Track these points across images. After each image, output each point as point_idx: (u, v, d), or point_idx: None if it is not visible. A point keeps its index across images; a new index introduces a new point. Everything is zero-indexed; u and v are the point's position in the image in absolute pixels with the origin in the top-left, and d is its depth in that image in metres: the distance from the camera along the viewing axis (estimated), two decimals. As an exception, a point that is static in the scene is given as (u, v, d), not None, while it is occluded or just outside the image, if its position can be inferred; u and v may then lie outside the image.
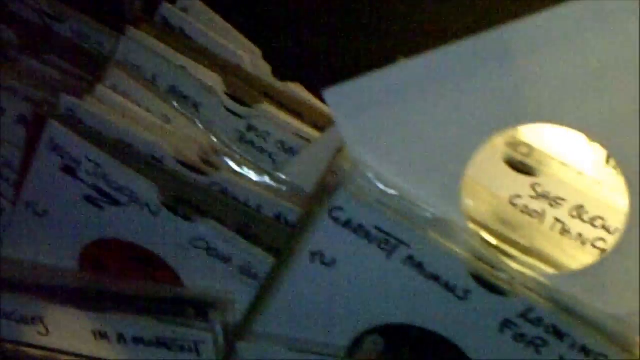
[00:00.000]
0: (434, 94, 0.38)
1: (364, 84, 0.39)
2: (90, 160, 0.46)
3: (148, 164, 0.46)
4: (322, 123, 0.51)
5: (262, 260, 0.46)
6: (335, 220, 0.40)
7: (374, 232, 0.40)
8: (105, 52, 0.61)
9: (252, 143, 0.51)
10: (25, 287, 0.49)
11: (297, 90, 0.53)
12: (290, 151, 0.50)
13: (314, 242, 0.41)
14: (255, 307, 0.44)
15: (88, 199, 0.47)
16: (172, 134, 0.48)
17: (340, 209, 0.40)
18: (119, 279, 0.49)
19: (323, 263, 0.42)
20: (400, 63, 0.38)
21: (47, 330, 0.49)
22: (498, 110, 0.38)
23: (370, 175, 0.40)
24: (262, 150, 0.51)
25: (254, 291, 0.46)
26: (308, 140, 0.50)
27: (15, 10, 0.61)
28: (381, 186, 0.40)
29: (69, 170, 0.47)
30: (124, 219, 0.47)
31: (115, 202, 0.46)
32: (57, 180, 0.47)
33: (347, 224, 0.40)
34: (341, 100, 0.40)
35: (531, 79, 0.38)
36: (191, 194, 0.46)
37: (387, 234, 0.40)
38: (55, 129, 0.46)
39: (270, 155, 0.51)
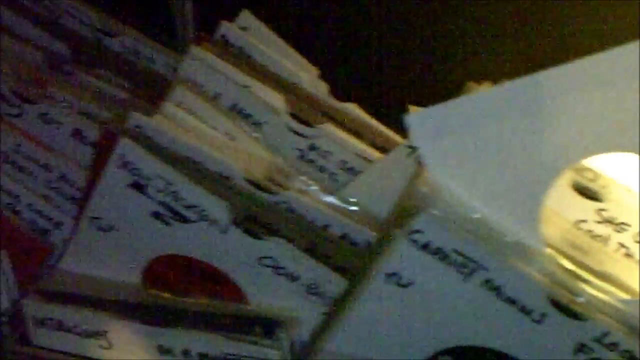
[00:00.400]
0: (515, 121, 0.39)
1: (446, 110, 0.40)
2: (160, 178, 0.46)
3: (218, 182, 0.46)
4: (381, 143, 0.52)
5: (329, 280, 0.46)
6: (414, 242, 0.41)
7: (453, 255, 0.41)
8: (157, 68, 0.62)
9: (313, 162, 0.51)
10: (88, 301, 0.50)
11: (354, 110, 0.54)
12: (352, 171, 0.51)
13: (391, 263, 0.42)
14: (326, 326, 0.45)
15: (155, 215, 0.48)
16: (239, 152, 0.49)
17: (420, 232, 0.40)
18: (183, 295, 0.49)
19: (399, 284, 0.42)
20: (482, 91, 0.39)
21: (110, 344, 0.49)
22: (579, 139, 0.39)
23: (450, 199, 0.40)
24: (323, 169, 0.51)
25: (321, 310, 0.47)
26: (369, 160, 0.51)
27: (68, 25, 0.62)
28: (461, 210, 0.40)
29: (138, 187, 0.47)
30: (192, 236, 0.47)
31: (184, 219, 0.47)
32: (125, 196, 0.48)
33: (426, 246, 0.41)
34: (423, 125, 0.40)
35: (609, 109, 0.39)
36: (261, 212, 0.46)
37: (466, 257, 0.40)
38: (127, 146, 0.46)
39: (331, 175, 0.51)
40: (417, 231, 0.40)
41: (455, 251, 0.40)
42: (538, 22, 0.60)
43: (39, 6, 0.62)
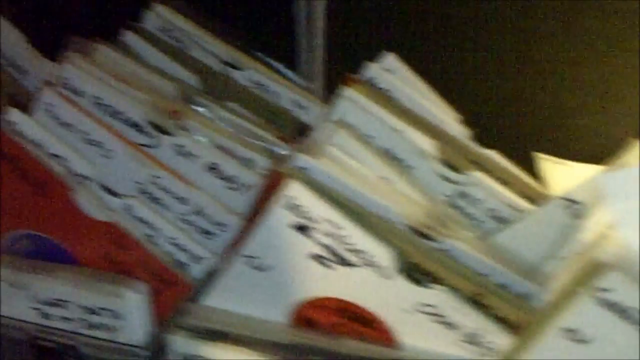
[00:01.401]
0: None
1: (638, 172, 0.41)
2: (327, 221, 0.46)
3: (384, 227, 0.47)
4: (528, 193, 0.52)
5: (491, 331, 0.46)
6: (601, 300, 0.41)
7: (637, 314, 0.41)
8: (282, 103, 0.62)
9: (460, 208, 0.51)
10: (234, 339, 0.50)
11: (496, 157, 0.54)
12: (501, 220, 0.51)
13: (571, 319, 0.42)
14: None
15: (315, 257, 0.48)
16: (398, 196, 0.49)
17: (609, 290, 0.41)
18: (332, 337, 0.49)
19: (575, 340, 0.42)
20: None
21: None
22: None
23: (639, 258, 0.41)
24: (469, 216, 0.51)
25: (476, 358, 0.47)
26: (518, 210, 0.51)
27: (196, 56, 0.62)
28: (650, 271, 0.41)
29: (301, 229, 0.47)
30: (352, 279, 0.47)
31: (347, 263, 0.47)
32: (286, 237, 0.48)
33: (612, 305, 0.41)
34: (615, 185, 0.41)
35: None
36: (424, 259, 0.46)
37: (653, 318, 0.41)
38: (295, 188, 0.46)
39: (477, 222, 0.51)
40: (606, 289, 0.41)
41: (643, 311, 0.41)
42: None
43: (169, 37, 0.62)
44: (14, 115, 0.54)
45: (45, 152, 0.54)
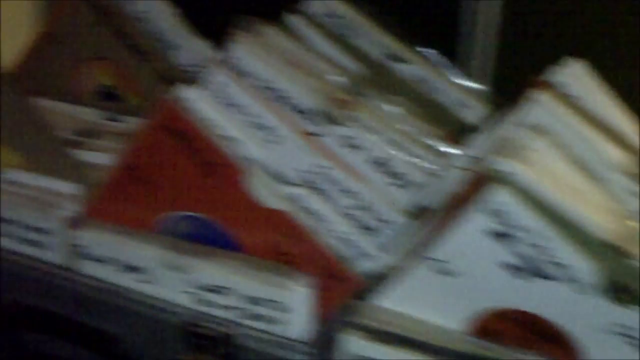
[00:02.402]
0: None
1: None
2: (530, 231, 0.44)
3: (590, 243, 0.44)
4: None
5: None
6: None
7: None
8: (444, 100, 0.60)
9: (647, 226, 0.49)
10: (408, 343, 0.48)
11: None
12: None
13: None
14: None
15: (508, 267, 0.46)
16: (602, 210, 0.47)
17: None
18: (515, 350, 0.47)
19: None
20: None
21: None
22: None
23: None
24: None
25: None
26: None
27: (361, 46, 0.60)
28: None
29: (499, 236, 0.45)
30: (546, 292, 0.46)
31: (543, 276, 0.45)
32: (480, 243, 0.46)
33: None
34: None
35: None
36: (632, 279, 0.44)
37: None
38: (500, 194, 0.44)
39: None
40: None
41: None
42: None
43: (332, 23, 0.60)
44: (187, 91, 0.51)
45: (215, 132, 0.52)
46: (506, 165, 0.45)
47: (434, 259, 0.47)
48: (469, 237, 0.46)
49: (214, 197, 0.51)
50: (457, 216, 0.46)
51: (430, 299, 0.48)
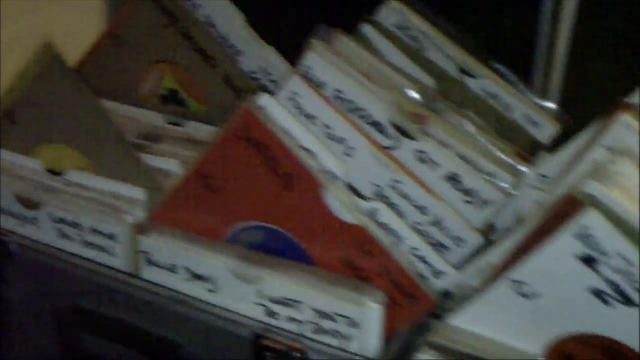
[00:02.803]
0: None
1: None
2: (621, 256, 0.43)
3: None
4: None
5: None
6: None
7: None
8: (515, 117, 0.59)
9: None
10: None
11: None
12: None
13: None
14: None
15: (595, 292, 0.45)
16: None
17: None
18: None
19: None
20: None
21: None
22: None
23: None
24: None
25: None
26: None
27: (432, 58, 0.59)
28: None
29: (588, 261, 0.44)
30: (630, 320, 0.45)
31: (631, 303, 0.44)
32: (568, 267, 0.45)
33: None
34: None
35: None
36: None
37: None
38: (593, 218, 0.43)
39: None
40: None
41: None
42: None
43: (405, 35, 0.59)
44: (265, 99, 0.51)
45: (293, 143, 0.51)
46: (597, 188, 0.44)
47: (515, 281, 0.46)
48: (556, 260, 0.45)
49: (291, 208, 0.50)
50: (545, 238, 0.45)
51: (508, 321, 0.47)
